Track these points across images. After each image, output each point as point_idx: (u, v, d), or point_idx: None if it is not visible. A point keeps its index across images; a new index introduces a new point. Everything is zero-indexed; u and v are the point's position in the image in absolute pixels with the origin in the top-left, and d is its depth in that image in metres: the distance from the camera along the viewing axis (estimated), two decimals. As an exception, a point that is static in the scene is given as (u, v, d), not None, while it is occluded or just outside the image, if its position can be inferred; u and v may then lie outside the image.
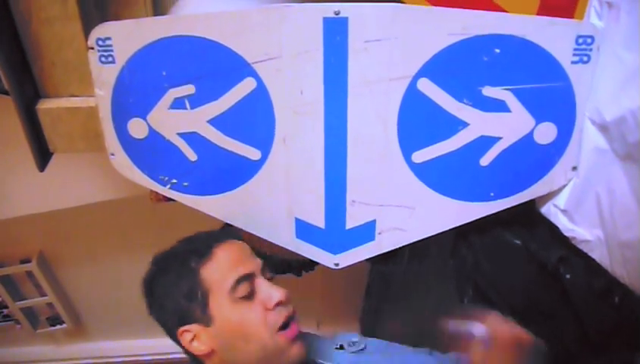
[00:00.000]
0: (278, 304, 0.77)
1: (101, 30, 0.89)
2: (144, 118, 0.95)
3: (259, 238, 1.03)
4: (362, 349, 0.90)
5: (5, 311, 2.13)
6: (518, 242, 0.97)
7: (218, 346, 0.76)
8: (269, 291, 0.77)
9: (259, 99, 0.90)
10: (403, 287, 1.84)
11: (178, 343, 0.78)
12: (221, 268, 0.77)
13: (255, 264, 0.79)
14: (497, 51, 0.85)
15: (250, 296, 0.76)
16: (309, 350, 0.82)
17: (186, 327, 0.76)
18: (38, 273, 1.96)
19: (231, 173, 0.97)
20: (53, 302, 2.09)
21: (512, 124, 0.90)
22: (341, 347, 0.90)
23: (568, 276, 0.89)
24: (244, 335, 0.75)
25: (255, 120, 0.93)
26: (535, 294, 0.94)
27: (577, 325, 0.92)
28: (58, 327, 2.23)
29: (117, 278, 2.11)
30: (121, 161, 1.00)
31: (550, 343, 0.95)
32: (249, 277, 0.77)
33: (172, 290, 0.77)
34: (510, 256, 0.98)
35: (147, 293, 0.82)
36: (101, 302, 2.18)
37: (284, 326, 0.76)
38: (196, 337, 0.76)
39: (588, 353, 0.94)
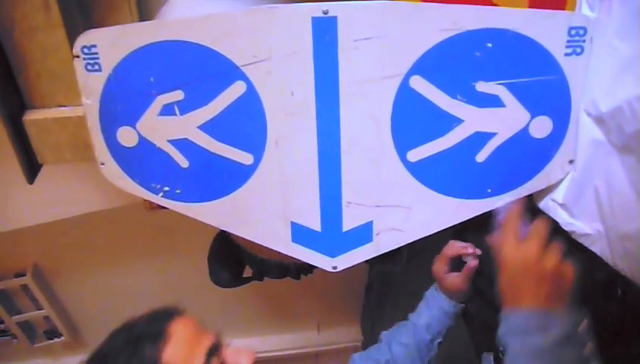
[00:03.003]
0: None
1: (86, 38, 0.87)
2: (133, 126, 0.93)
3: (255, 243, 1.01)
4: None
5: (1, 326, 2.11)
6: None
7: None
8: (237, 358, 0.71)
9: (250, 103, 0.89)
10: (402, 287, 1.83)
11: None
12: (185, 346, 0.68)
13: (213, 334, 0.72)
14: (489, 45, 0.84)
15: None
16: None
17: None
18: (33, 286, 1.94)
19: (224, 178, 0.96)
20: (50, 315, 2.08)
21: (507, 119, 0.89)
22: None
23: None
24: None
25: (246, 124, 0.91)
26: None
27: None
28: (56, 340, 2.21)
29: (114, 288, 2.09)
30: (112, 170, 0.99)
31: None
32: (216, 349, 0.70)
33: None
34: None
35: None
36: (99, 312, 2.16)
37: None
38: None
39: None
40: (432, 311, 1.05)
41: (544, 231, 0.79)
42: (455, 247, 1.03)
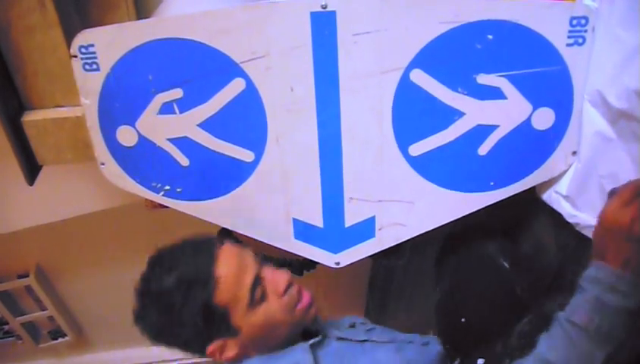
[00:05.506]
0: (287, 287, 0.80)
1: (83, 37, 0.87)
2: (133, 125, 0.93)
3: (258, 240, 1.01)
4: (372, 329, 0.94)
5: (6, 327, 2.11)
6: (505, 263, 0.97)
7: (249, 345, 0.79)
8: (275, 280, 0.80)
9: (249, 99, 0.88)
10: (406, 281, 1.83)
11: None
12: (232, 287, 0.77)
13: (253, 262, 0.80)
14: (490, 37, 0.83)
15: (264, 295, 0.78)
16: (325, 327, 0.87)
17: (213, 345, 0.78)
18: (37, 286, 1.94)
19: (225, 176, 0.95)
20: (54, 315, 2.07)
21: (508, 111, 0.88)
22: (353, 325, 0.94)
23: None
24: (272, 327, 0.79)
25: (246, 121, 0.91)
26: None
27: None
28: (60, 340, 2.21)
29: (116, 287, 2.08)
30: (112, 170, 0.98)
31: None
32: (257, 281, 0.78)
33: (188, 321, 0.76)
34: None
35: (150, 323, 0.79)
36: (103, 312, 2.16)
37: (298, 299, 0.81)
38: (224, 348, 0.78)
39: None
40: None
41: None
42: None
